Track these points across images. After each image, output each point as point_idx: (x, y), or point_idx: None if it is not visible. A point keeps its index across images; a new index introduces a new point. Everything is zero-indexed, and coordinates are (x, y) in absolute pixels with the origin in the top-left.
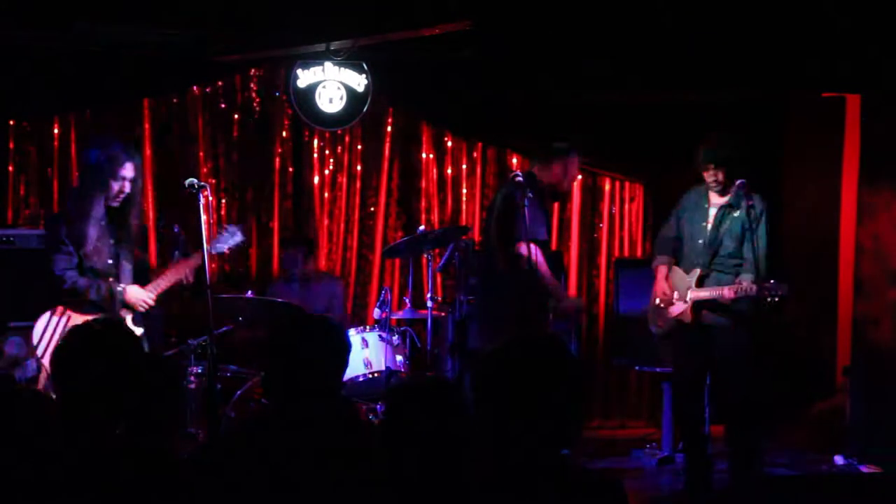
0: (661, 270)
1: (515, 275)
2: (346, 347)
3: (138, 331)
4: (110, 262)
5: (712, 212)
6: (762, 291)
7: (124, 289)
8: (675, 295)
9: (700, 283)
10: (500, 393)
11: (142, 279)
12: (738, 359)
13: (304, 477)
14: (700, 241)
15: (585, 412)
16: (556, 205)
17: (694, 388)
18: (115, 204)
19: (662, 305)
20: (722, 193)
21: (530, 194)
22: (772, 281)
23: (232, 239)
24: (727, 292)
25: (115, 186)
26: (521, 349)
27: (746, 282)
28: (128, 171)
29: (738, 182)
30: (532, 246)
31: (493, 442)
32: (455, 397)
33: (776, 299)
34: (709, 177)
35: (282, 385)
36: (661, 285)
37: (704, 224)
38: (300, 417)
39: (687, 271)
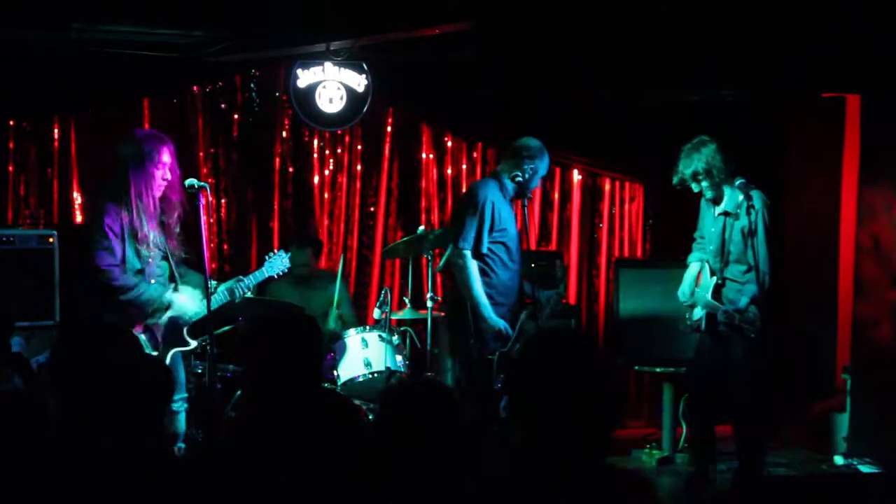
0: (692, 268)
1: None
2: (322, 343)
3: (193, 343)
4: (163, 260)
5: (719, 218)
6: (741, 325)
7: (180, 295)
8: (696, 298)
9: (716, 293)
10: (533, 392)
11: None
12: (743, 364)
13: (303, 476)
14: (712, 248)
15: (618, 410)
16: (558, 203)
17: (706, 390)
18: (160, 193)
19: (688, 305)
20: (716, 202)
21: (530, 195)
22: (750, 320)
23: (281, 264)
24: (720, 315)
25: (158, 174)
26: (551, 348)
27: (731, 309)
28: (166, 155)
29: (737, 183)
30: (468, 257)
31: (526, 441)
32: (446, 400)
33: (751, 335)
34: (695, 190)
35: (261, 384)
36: (685, 285)
37: (713, 230)
38: (297, 417)
39: (711, 275)
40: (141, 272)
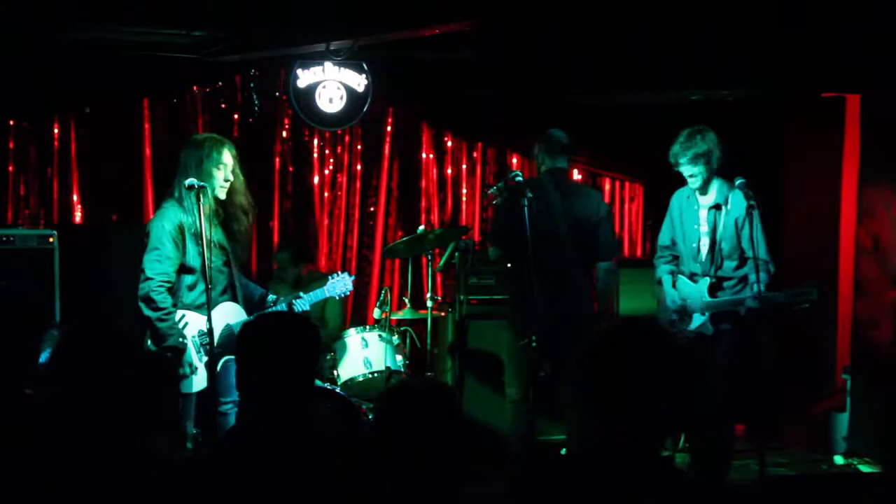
0: (667, 280)
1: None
2: (317, 343)
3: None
4: (224, 266)
5: (703, 213)
6: (791, 298)
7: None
8: (689, 306)
9: (712, 293)
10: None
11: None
12: (723, 362)
13: (302, 476)
14: (693, 245)
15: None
16: None
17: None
18: (223, 195)
19: (677, 318)
20: (703, 192)
21: (530, 195)
22: (803, 287)
23: (343, 287)
24: (750, 301)
25: (220, 175)
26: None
27: (758, 290)
28: (227, 156)
29: (737, 183)
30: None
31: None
32: (446, 400)
33: (806, 305)
34: (685, 175)
35: (258, 384)
36: (671, 296)
37: (696, 226)
38: (297, 417)
39: (692, 279)
40: (192, 287)
